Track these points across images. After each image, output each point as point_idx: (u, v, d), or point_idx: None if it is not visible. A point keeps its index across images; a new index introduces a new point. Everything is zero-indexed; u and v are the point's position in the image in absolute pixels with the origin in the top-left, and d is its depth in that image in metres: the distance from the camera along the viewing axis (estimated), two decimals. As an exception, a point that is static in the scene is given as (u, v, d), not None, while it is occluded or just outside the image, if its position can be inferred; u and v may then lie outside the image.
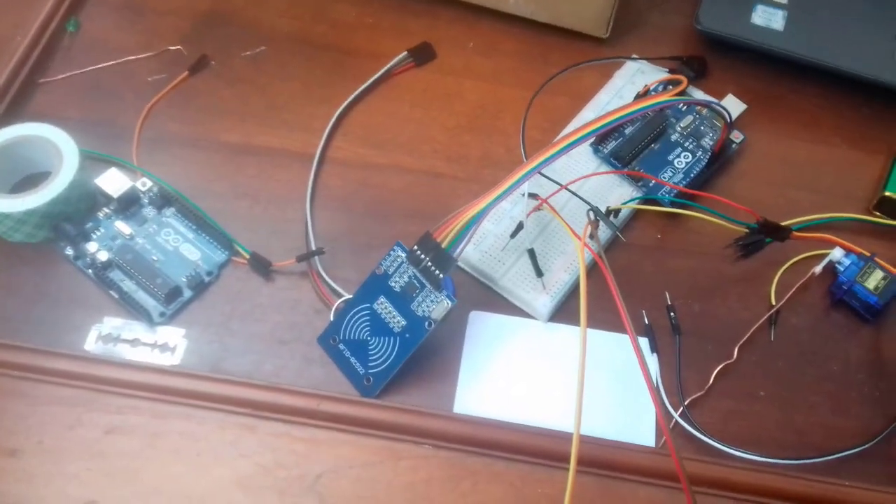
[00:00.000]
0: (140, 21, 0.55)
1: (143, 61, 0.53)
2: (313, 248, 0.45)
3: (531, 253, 0.44)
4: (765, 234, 0.45)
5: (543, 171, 0.44)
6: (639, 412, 0.42)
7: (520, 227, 0.45)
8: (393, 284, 0.41)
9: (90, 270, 0.44)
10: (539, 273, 0.44)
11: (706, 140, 0.50)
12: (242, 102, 0.52)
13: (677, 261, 0.47)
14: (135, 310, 0.43)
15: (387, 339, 0.41)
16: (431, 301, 0.40)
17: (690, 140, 0.50)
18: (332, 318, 0.43)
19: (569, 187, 0.45)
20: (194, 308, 0.44)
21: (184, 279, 0.44)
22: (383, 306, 0.41)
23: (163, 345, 0.42)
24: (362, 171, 0.49)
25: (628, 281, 0.46)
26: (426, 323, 0.40)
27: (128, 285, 0.43)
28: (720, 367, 0.43)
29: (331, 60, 0.54)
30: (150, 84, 0.52)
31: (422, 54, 0.54)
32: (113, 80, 0.52)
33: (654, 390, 0.36)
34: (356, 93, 0.52)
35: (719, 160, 0.48)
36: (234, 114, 0.51)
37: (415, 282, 0.41)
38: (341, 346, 0.42)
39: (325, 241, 0.46)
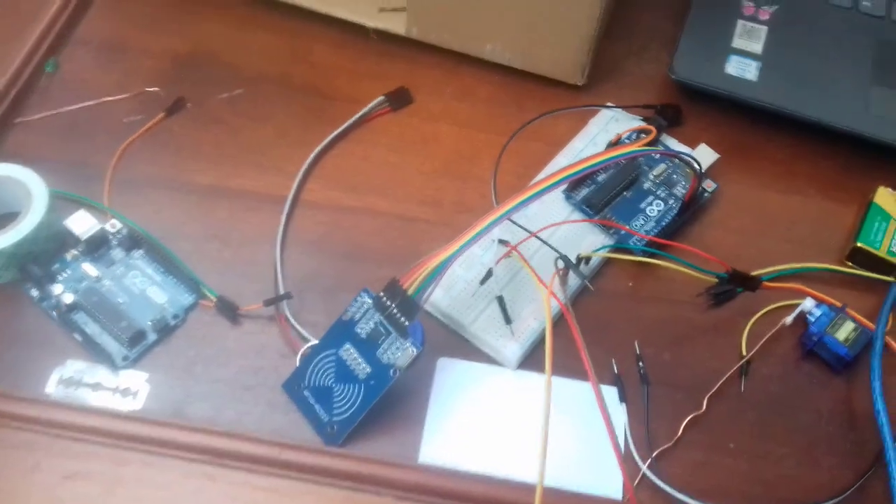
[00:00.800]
0: (119, 62, 0.56)
1: (120, 102, 0.53)
2: (282, 291, 0.45)
3: (500, 300, 0.44)
4: (735, 284, 0.45)
5: (514, 217, 0.44)
6: (606, 463, 0.41)
7: (489, 273, 0.45)
8: (359, 331, 0.41)
9: (54, 312, 0.43)
10: (508, 320, 0.44)
11: (679, 188, 0.50)
12: (217, 144, 0.52)
13: (648, 309, 0.47)
14: (98, 353, 0.42)
15: (352, 386, 0.41)
16: (397, 348, 0.40)
17: (663, 188, 0.50)
18: (297, 364, 0.43)
19: (539, 234, 0.45)
20: (158, 352, 0.43)
21: (149, 322, 0.43)
22: (349, 353, 0.41)
23: (125, 389, 0.42)
24: (335, 214, 0.49)
25: (598, 329, 0.45)
26: (391, 370, 0.40)
27: (92, 328, 0.43)
28: (689, 417, 0.42)
29: (308, 103, 0.54)
30: (126, 125, 0.52)
31: (399, 99, 0.55)
32: (89, 120, 0.52)
33: (617, 445, 0.36)
34: (331, 136, 0.52)
35: (690, 209, 0.49)
36: (208, 156, 0.51)
37: (381, 328, 0.40)
38: (306, 393, 0.42)
39: (295, 284, 0.46)
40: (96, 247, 0.46)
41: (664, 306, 0.47)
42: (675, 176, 0.50)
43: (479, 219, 0.40)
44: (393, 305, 0.40)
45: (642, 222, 0.48)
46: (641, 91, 0.56)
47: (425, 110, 0.55)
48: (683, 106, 0.54)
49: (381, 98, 0.54)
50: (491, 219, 0.39)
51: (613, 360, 0.44)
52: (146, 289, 0.45)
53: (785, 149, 0.54)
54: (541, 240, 0.45)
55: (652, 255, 0.47)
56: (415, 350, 0.39)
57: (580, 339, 0.37)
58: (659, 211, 0.49)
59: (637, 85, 0.56)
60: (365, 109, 0.54)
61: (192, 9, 0.58)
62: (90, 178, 0.49)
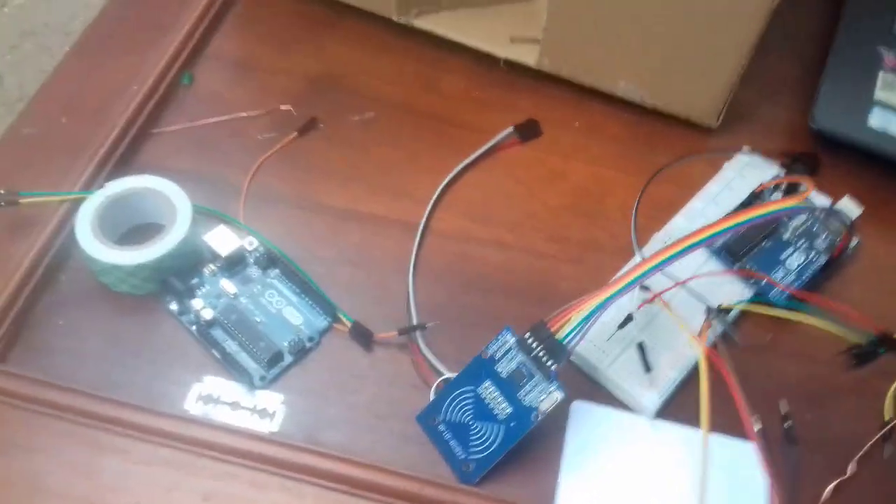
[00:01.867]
0: (252, 79, 0.56)
1: (253, 119, 0.54)
2: (415, 321, 0.45)
3: (640, 347, 0.43)
4: (885, 346, 0.43)
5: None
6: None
7: (629, 318, 0.44)
8: (500, 370, 0.40)
9: (194, 327, 0.44)
10: (648, 368, 0.43)
11: (819, 241, 0.48)
12: (349, 166, 0.52)
13: (788, 365, 0.45)
14: (236, 371, 0.42)
15: (490, 425, 0.40)
16: (540, 391, 0.39)
17: (803, 240, 0.48)
18: (432, 397, 0.42)
19: (681, 283, 0.44)
20: (294, 374, 0.43)
21: (286, 343, 0.43)
22: (488, 391, 0.40)
23: (262, 410, 0.42)
24: (463, 245, 0.49)
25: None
26: (533, 414, 0.39)
27: (230, 346, 0.43)
28: (835, 483, 0.41)
29: (437, 131, 0.54)
30: (260, 142, 0.53)
31: (528, 131, 0.54)
32: (223, 135, 0.53)
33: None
34: (462, 165, 0.52)
35: (835, 264, 0.47)
36: (339, 177, 0.51)
37: (523, 370, 0.40)
38: (441, 427, 0.41)
39: (425, 313, 0.45)
40: (234, 264, 0.46)
41: (804, 363, 0.45)
42: (815, 228, 0.49)
43: (631, 268, 0.39)
44: (539, 348, 0.39)
45: (782, 274, 0.47)
46: (775, 138, 0.55)
47: (554, 144, 0.54)
48: (820, 155, 0.53)
49: (509, 129, 0.54)
50: (646, 267, 0.39)
51: (755, 418, 0.43)
52: (282, 309, 0.45)
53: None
54: (689, 290, 0.44)
55: (795, 310, 0.45)
56: (560, 395, 0.39)
57: (740, 396, 0.36)
58: (799, 264, 0.48)
59: (770, 131, 0.55)
60: (494, 140, 0.53)
61: (325, 31, 0.59)
62: (225, 193, 0.50)
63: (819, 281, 0.48)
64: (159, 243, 0.44)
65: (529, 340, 0.40)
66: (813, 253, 0.48)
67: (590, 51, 0.53)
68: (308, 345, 0.44)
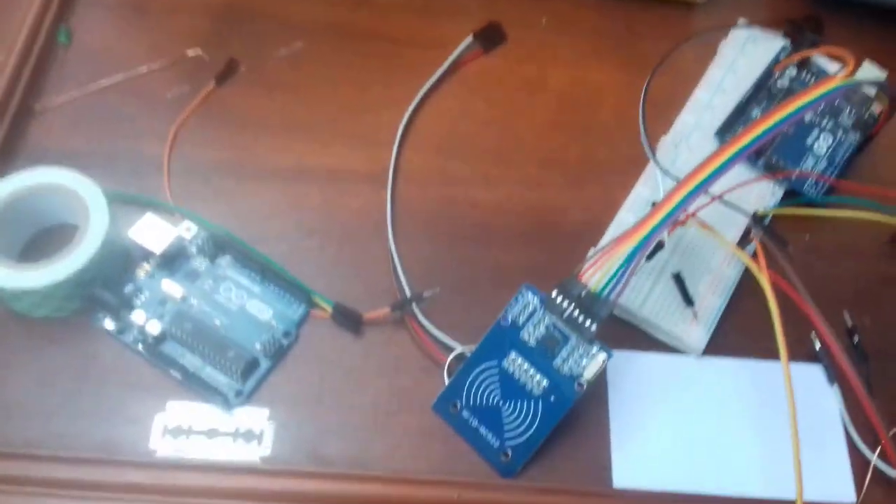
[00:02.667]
0: (144, 23, 0.46)
1: (156, 73, 0.44)
2: (408, 291, 0.37)
3: (678, 278, 0.37)
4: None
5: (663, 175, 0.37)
6: (828, 460, 0.35)
7: (659, 246, 0.37)
8: (526, 337, 0.33)
9: (140, 346, 0.35)
10: (689, 301, 0.36)
11: (845, 117, 0.42)
12: (287, 114, 0.43)
13: (833, 267, 0.40)
14: (205, 391, 0.34)
15: (524, 403, 0.33)
16: (580, 356, 0.33)
17: (827, 118, 0.42)
18: (446, 380, 0.35)
19: (712, 195, 0.38)
20: (275, 381, 0.36)
21: (258, 346, 0.35)
22: (516, 364, 0.34)
23: (246, 432, 0.34)
24: (444, 188, 0.41)
25: (781, 297, 0.38)
26: (575, 384, 0.33)
27: (191, 361, 0.35)
28: (918, 397, 0.36)
29: (383, 53, 0.45)
30: (171, 101, 0.43)
31: (490, 38, 0.46)
32: (124, 99, 0.43)
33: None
34: (422, 91, 0.43)
35: (870, 142, 0.41)
36: (278, 129, 0.42)
37: (555, 334, 0.33)
38: (465, 414, 0.34)
39: (417, 279, 0.38)
40: (174, 259, 0.37)
41: (851, 261, 0.40)
42: (837, 102, 0.43)
43: (668, 194, 0.32)
44: (572, 306, 0.32)
45: (812, 162, 0.41)
46: (767, 4, 0.48)
47: (522, 49, 0.46)
48: (822, 17, 0.46)
49: (469, 39, 0.45)
50: (690, 188, 0.32)
51: (813, 334, 0.37)
52: (245, 304, 0.37)
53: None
54: (728, 203, 0.37)
55: (836, 204, 0.40)
56: (605, 356, 0.32)
57: (813, 310, 0.30)
58: (828, 146, 0.41)
59: (761, -3, 0.48)
60: (454, 55, 0.45)
61: (223, -51, 0.48)
62: (143, 171, 0.41)
63: (854, 163, 0.42)
64: (75, 251, 0.35)
65: (559, 298, 0.33)
66: (841, 132, 0.42)
67: (547, -70, 0.45)
68: (285, 342, 0.36)
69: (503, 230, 0.40)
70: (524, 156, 0.42)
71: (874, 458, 0.34)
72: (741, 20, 0.46)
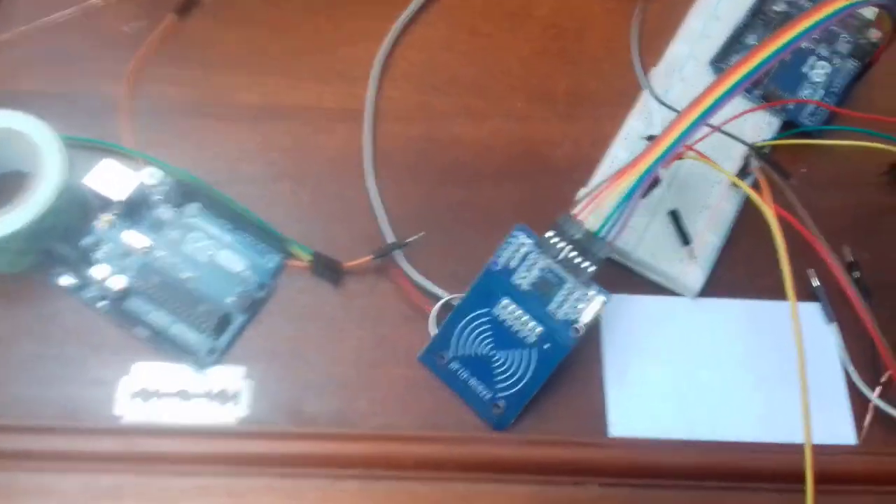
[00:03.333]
0: (95, -49, 0.42)
1: (112, 7, 0.41)
2: (390, 237, 0.35)
3: (674, 215, 0.35)
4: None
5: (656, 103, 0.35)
6: (825, 402, 0.33)
7: (655, 183, 0.35)
8: (518, 282, 0.32)
9: (102, 303, 0.33)
10: (686, 240, 0.35)
11: (841, 43, 0.40)
12: (255, 49, 0.40)
13: (830, 199, 0.38)
14: (175, 350, 0.32)
15: (517, 352, 0.32)
16: (576, 299, 0.31)
17: (823, 45, 0.40)
18: (432, 330, 0.33)
19: (711, 125, 0.35)
20: (251, 336, 0.33)
21: (231, 299, 0.33)
22: (508, 311, 0.32)
23: (220, 392, 0.32)
24: (427, 125, 0.39)
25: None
26: (571, 329, 0.31)
27: (158, 318, 0.33)
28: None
29: (355, -19, 0.42)
30: (128, 36, 0.40)
31: (470, -36, 0.43)
32: (76, 34, 0.40)
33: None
34: (400, 21, 0.41)
35: (870, 69, 0.39)
36: (247, 65, 0.39)
37: (549, 277, 0.31)
38: (454, 365, 0.32)
39: (400, 224, 0.36)
40: (137, 208, 0.35)
41: (847, 193, 0.38)
42: (833, 28, 0.40)
43: (667, 127, 0.30)
44: (568, 247, 0.30)
45: (809, 91, 0.39)
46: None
47: (504, -25, 0.43)
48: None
49: (448, -36, 0.42)
50: (686, 123, 0.30)
51: (810, 271, 0.35)
52: (215, 255, 0.34)
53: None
54: (727, 134, 0.35)
55: (835, 133, 0.38)
56: (603, 299, 0.30)
57: (823, 245, 0.29)
58: (826, 74, 0.39)
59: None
60: (434, -19, 0.42)
61: None
62: (100, 113, 0.38)
63: (853, 91, 0.40)
64: (28, 200, 0.32)
65: (554, 240, 0.31)
66: (838, 59, 0.40)
67: None
68: (260, 295, 0.34)
69: (490, 168, 0.38)
70: (510, 89, 0.40)
71: (874, 398, 0.33)
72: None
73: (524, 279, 0.31)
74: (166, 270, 0.33)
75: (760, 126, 0.38)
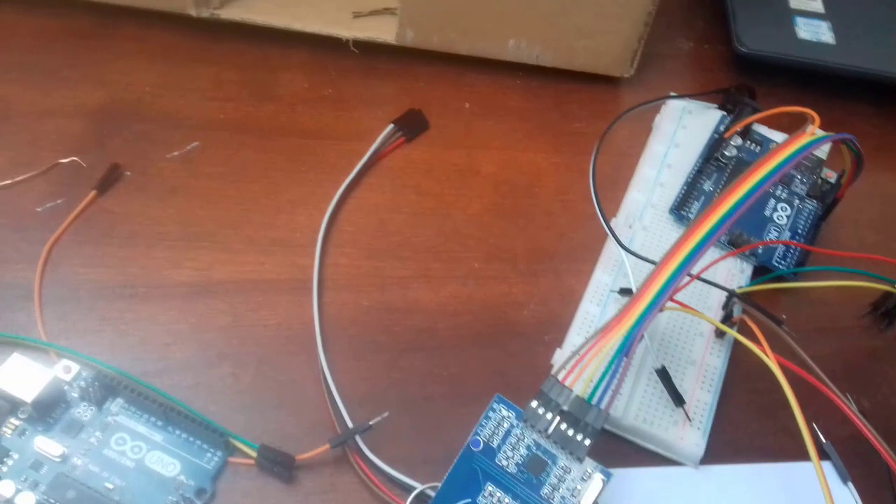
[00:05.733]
0: (5, 129, 0.39)
1: (23, 185, 0.37)
2: (348, 421, 0.31)
3: (662, 374, 0.32)
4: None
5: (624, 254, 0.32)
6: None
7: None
8: (504, 463, 0.27)
9: (6, 529, 0.27)
10: (679, 401, 0.31)
11: (797, 185, 0.40)
12: (185, 222, 0.36)
13: (816, 346, 0.35)
14: (96, 583, 0.26)
15: (511, 549, 0.27)
16: (573, 479, 0.27)
17: (780, 188, 0.39)
18: (407, 528, 0.28)
19: (690, 276, 0.33)
20: (190, 556, 0.28)
21: (165, 512, 0.28)
22: (495, 499, 0.27)
23: None
24: (381, 293, 0.35)
25: (769, 384, 0.34)
26: (571, 516, 0.27)
27: (76, 543, 0.27)
28: (940, 483, 0.32)
29: (293, 148, 0.40)
30: (42, 216, 0.36)
31: (412, 125, 0.41)
32: (-16, 218, 0.36)
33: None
34: (343, 186, 0.38)
35: (832, 209, 0.38)
36: (176, 239, 0.36)
37: (540, 455, 0.27)
38: (437, 572, 0.28)
39: (357, 404, 0.31)
40: (50, 409, 0.29)
41: (832, 339, 0.36)
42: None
43: (648, 278, 0.28)
44: (558, 418, 0.27)
45: (776, 233, 0.38)
46: (696, 76, 0.46)
47: (448, 135, 0.42)
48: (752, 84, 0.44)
49: (389, 127, 0.41)
50: (674, 267, 0.27)
51: (814, 425, 0.33)
52: (143, 457, 0.29)
53: (871, 119, 0.45)
54: (709, 282, 0.33)
55: (815, 275, 0.36)
56: (604, 478, 0.27)
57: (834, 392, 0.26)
58: (788, 216, 0.38)
59: (688, 69, 0.46)
60: (375, 144, 0.40)
61: (98, 47, 0.42)
62: (6, 303, 0.33)
63: (821, 231, 0.39)
64: (-87, 413, 0.27)
65: (540, 410, 0.27)
66: (797, 201, 0.39)
67: (464, 9, 0.41)
68: (199, 503, 0.28)
69: (455, 336, 0.34)
70: (465, 249, 0.37)
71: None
72: (672, 93, 0.43)
73: (510, 459, 0.27)
74: (85, 481, 0.28)
75: (733, 273, 0.36)
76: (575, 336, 0.33)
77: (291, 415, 0.31)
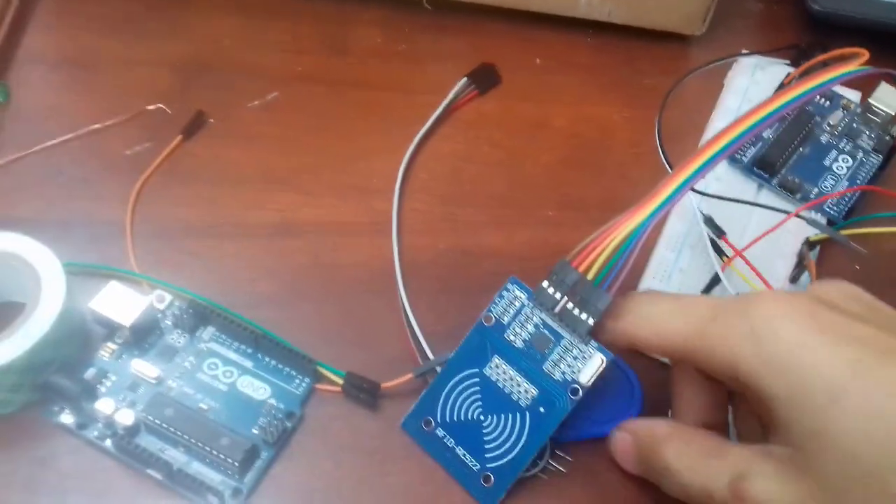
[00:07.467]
0: (96, 80, 0.41)
1: (113, 130, 0.38)
2: (430, 352, 0.32)
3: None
4: None
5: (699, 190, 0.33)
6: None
7: (715, 280, 0.33)
8: (511, 338, 0.29)
9: (108, 442, 0.28)
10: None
11: (864, 140, 0.40)
12: (265, 167, 0.38)
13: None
14: (194, 493, 0.28)
15: (510, 416, 0.28)
16: (574, 357, 0.28)
17: (845, 140, 0.39)
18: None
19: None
20: (280, 473, 0.29)
21: (256, 431, 0.29)
22: (499, 371, 0.29)
23: (250, 541, 0.27)
24: (456, 238, 0.36)
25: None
26: (569, 390, 0.28)
27: (174, 456, 0.28)
28: None
29: (368, 101, 0.41)
30: (131, 158, 0.37)
31: (484, 79, 0.42)
32: (77, 158, 0.37)
33: None
34: (419, 135, 0.39)
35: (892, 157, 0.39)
36: (257, 183, 0.37)
37: (545, 332, 0.28)
38: (440, 432, 0.29)
39: (437, 339, 0.32)
40: (146, 334, 0.31)
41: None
42: (854, 125, 0.40)
43: (662, 181, 0.28)
44: (565, 298, 0.27)
45: (832, 183, 0.38)
46: (767, 34, 0.46)
47: (519, 89, 0.42)
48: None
49: (462, 80, 0.41)
50: (695, 167, 0.28)
51: None
52: (236, 381, 0.30)
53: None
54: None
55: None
56: (604, 358, 0.27)
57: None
58: (849, 168, 0.38)
59: (761, 28, 0.46)
60: (449, 97, 0.41)
61: (181, 2, 0.44)
62: (101, 238, 0.35)
63: (877, 182, 0.39)
64: (22, 330, 0.28)
65: (549, 290, 0.28)
66: (861, 154, 0.39)
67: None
68: (289, 425, 0.30)
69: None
70: (538, 198, 0.38)
71: None
72: (743, 51, 0.43)
73: (517, 335, 0.28)
74: (181, 401, 0.29)
75: (797, 226, 0.36)
76: (650, 280, 0.34)
77: (374, 348, 0.32)
